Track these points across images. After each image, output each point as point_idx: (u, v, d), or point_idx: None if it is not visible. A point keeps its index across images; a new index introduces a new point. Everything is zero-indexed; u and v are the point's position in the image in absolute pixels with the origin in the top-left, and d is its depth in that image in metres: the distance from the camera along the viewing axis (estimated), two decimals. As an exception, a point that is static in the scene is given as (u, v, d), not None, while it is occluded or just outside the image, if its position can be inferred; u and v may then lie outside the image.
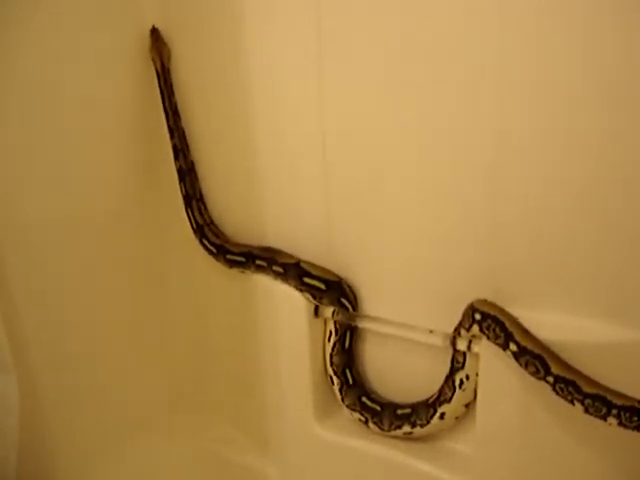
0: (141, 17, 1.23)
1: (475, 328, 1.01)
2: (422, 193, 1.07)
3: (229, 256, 1.26)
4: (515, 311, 1.00)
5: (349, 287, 1.18)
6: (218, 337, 1.38)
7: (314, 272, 1.16)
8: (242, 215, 1.28)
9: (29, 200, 1.14)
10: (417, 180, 1.07)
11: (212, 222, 1.29)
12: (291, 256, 1.20)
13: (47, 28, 1.11)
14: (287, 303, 1.19)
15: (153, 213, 1.34)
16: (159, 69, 1.23)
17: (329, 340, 1.20)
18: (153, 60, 1.23)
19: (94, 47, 1.18)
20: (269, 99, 1.17)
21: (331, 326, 1.19)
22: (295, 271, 1.17)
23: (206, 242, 1.27)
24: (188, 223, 1.28)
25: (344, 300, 1.17)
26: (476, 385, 1.07)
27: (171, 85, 1.24)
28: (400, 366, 1.18)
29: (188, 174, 1.26)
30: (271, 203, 1.23)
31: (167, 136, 1.26)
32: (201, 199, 1.28)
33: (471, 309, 1.02)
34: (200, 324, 1.40)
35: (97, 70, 1.19)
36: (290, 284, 1.18)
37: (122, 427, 1.32)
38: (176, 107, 1.24)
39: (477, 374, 1.06)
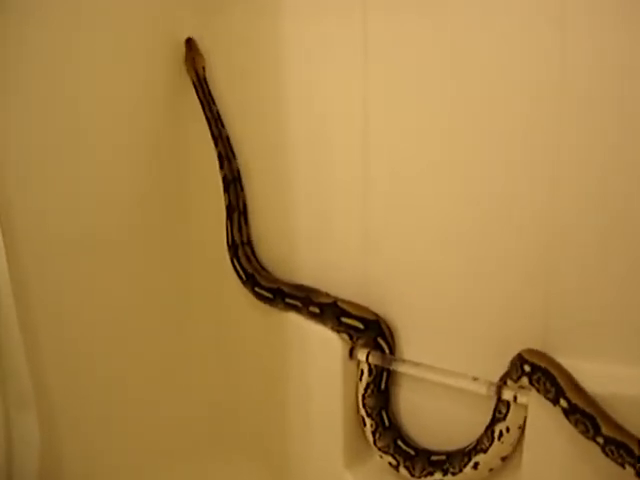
0: (176, 27, 1.22)
1: (524, 380, 0.97)
2: (472, 231, 1.04)
3: (257, 289, 1.22)
4: (563, 360, 0.96)
5: (387, 326, 1.14)
6: (245, 375, 1.34)
7: (352, 311, 1.12)
8: (276, 243, 1.25)
9: (59, 226, 1.11)
10: (467, 218, 1.04)
11: (249, 242, 1.25)
12: (327, 295, 1.16)
13: (77, 39, 1.08)
14: (321, 345, 1.15)
15: (181, 231, 1.30)
16: (194, 79, 1.21)
17: (361, 379, 1.16)
18: (187, 70, 1.22)
19: (126, 57, 1.16)
20: (307, 126, 1.16)
21: (364, 366, 1.15)
22: (332, 311, 1.13)
23: (237, 264, 1.23)
24: (224, 239, 1.24)
25: (381, 340, 1.13)
26: (516, 439, 1.03)
27: (210, 93, 1.21)
28: (436, 411, 1.14)
29: (233, 183, 1.22)
30: (304, 232, 1.20)
31: (196, 150, 1.24)
32: (244, 212, 1.24)
33: (520, 360, 0.98)
34: (227, 361, 1.36)
35: (127, 84, 1.17)
36: (327, 325, 1.14)
37: (142, 466, 1.27)
38: (219, 115, 1.22)
39: (519, 427, 1.02)
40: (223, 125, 1.22)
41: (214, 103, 1.22)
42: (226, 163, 1.22)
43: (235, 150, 1.23)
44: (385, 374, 1.15)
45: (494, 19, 0.95)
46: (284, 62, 1.15)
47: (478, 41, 0.97)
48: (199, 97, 1.22)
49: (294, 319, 1.18)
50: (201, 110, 1.23)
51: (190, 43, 1.22)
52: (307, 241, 1.21)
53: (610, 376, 0.94)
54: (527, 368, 0.96)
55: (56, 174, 1.09)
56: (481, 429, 1.07)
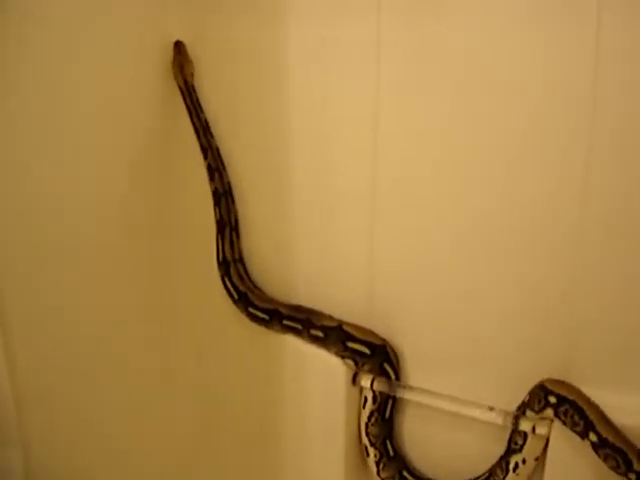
0: (166, 29, 1.13)
1: (549, 411, 0.91)
2: (485, 247, 0.97)
3: (251, 309, 1.13)
4: (586, 390, 0.91)
5: (393, 350, 1.06)
6: (235, 402, 1.24)
7: (359, 335, 1.05)
8: (270, 260, 1.16)
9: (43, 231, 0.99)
10: (481, 233, 0.98)
11: (241, 259, 1.16)
12: (330, 317, 1.08)
13: (63, 41, 0.98)
14: (323, 370, 1.07)
15: (169, 247, 1.19)
16: (182, 86, 1.12)
17: (364, 407, 1.09)
18: (175, 76, 1.12)
19: (114, 60, 1.06)
20: (308, 133, 1.08)
21: (367, 393, 1.08)
22: (337, 335, 1.05)
23: (228, 283, 1.14)
24: (214, 255, 1.15)
25: (387, 366, 1.06)
26: (532, 470, 0.97)
27: (198, 101, 1.12)
28: (444, 440, 1.07)
29: (224, 196, 1.13)
30: (302, 248, 1.12)
31: (188, 157, 1.15)
32: (235, 228, 1.15)
33: (543, 390, 0.92)
34: (215, 386, 1.26)
35: (117, 84, 1.07)
36: (330, 349, 1.06)
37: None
38: (207, 124, 1.13)
39: (536, 459, 0.97)
40: (212, 135, 1.13)
41: (202, 111, 1.13)
42: (217, 175, 1.13)
43: (226, 162, 1.14)
44: (390, 401, 1.08)
45: (495, 20, 0.90)
46: (284, 67, 1.07)
47: (488, 43, 0.91)
48: (186, 105, 1.13)
49: (292, 342, 1.10)
50: (188, 119, 1.14)
51: (179, 47, 1.12)
52: (305, 257, 1.13)
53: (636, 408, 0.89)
54: (552, 399, 0.91)
55: (43, 179, 0.99)
56: (492, 460, 1.02)
